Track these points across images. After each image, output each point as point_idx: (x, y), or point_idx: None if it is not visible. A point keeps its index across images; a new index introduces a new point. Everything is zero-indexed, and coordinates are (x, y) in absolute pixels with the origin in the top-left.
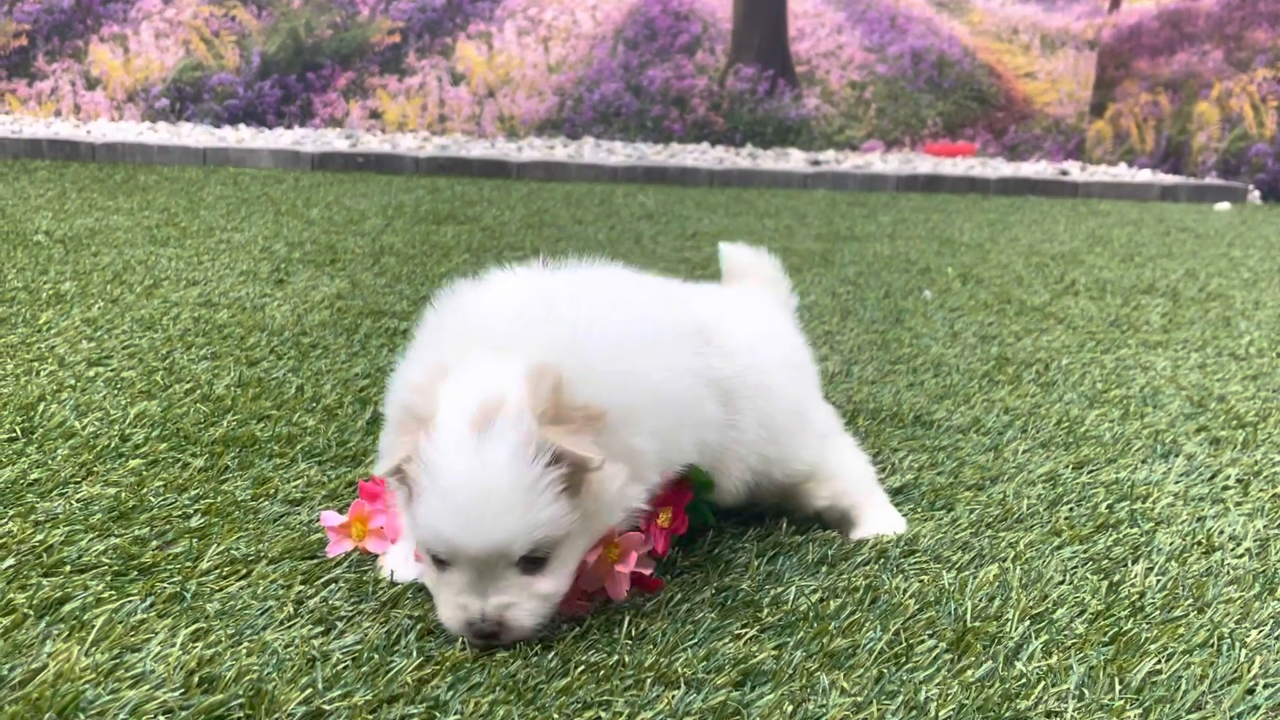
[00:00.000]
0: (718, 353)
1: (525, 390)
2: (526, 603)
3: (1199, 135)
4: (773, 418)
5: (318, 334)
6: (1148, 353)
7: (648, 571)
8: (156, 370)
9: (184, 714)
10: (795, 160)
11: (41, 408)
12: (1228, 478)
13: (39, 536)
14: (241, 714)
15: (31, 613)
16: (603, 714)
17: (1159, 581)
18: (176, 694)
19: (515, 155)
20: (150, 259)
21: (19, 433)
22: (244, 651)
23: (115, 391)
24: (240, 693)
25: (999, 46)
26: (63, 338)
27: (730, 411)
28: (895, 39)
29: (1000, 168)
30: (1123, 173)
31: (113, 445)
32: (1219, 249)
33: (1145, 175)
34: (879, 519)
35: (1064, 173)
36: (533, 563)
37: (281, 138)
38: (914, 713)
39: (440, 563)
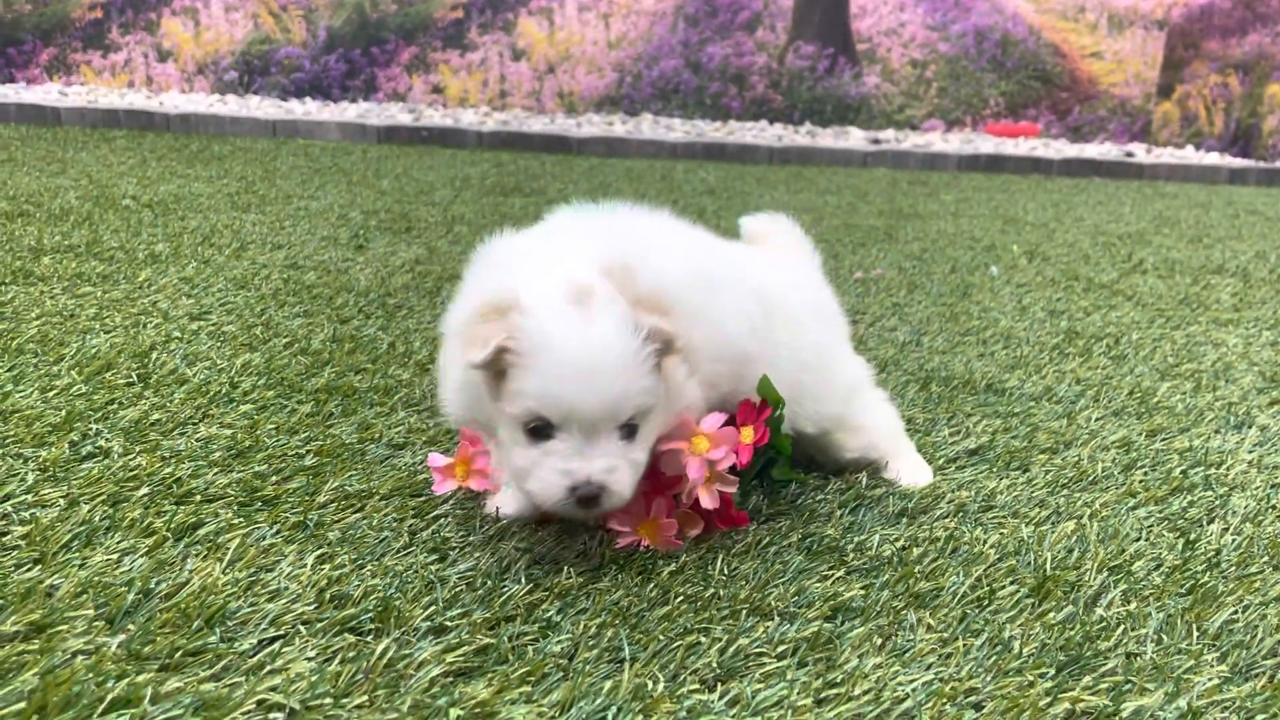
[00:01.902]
0: (752, 282)
1: (607, 279)
2: (625, 467)
3: (1270, 118)
4: (801, 342)
5: (402, 295)
6: (1218, 330)
7: (731, 489)
8: (255, 325)
9: (320, 624)
10: (855, 139)
11: (154, 356)
12: None
13: (167, 470)
14: (372, 626)
15: (169, 535)
16: (702, 639)
17: (1234, 541)
18: (311, 607)
19: (575, 131)
20: (235, 224)
21: (136, 378)
22: (368, 574)
23: (219, 343)
24: (369, 608)
25: (1065, 25)
26: (163, 294)
27: (769, 328)
28: (958, 17)
29: (1064, 149)
30: (1190, 155)
31: (224, 391)
32: None
33: (1213, 158)
34: (907, 469)
35: (1129, 154)
36: (628, 430)
37: (347, 111)
38: (998, 649)
39: (539, 435)
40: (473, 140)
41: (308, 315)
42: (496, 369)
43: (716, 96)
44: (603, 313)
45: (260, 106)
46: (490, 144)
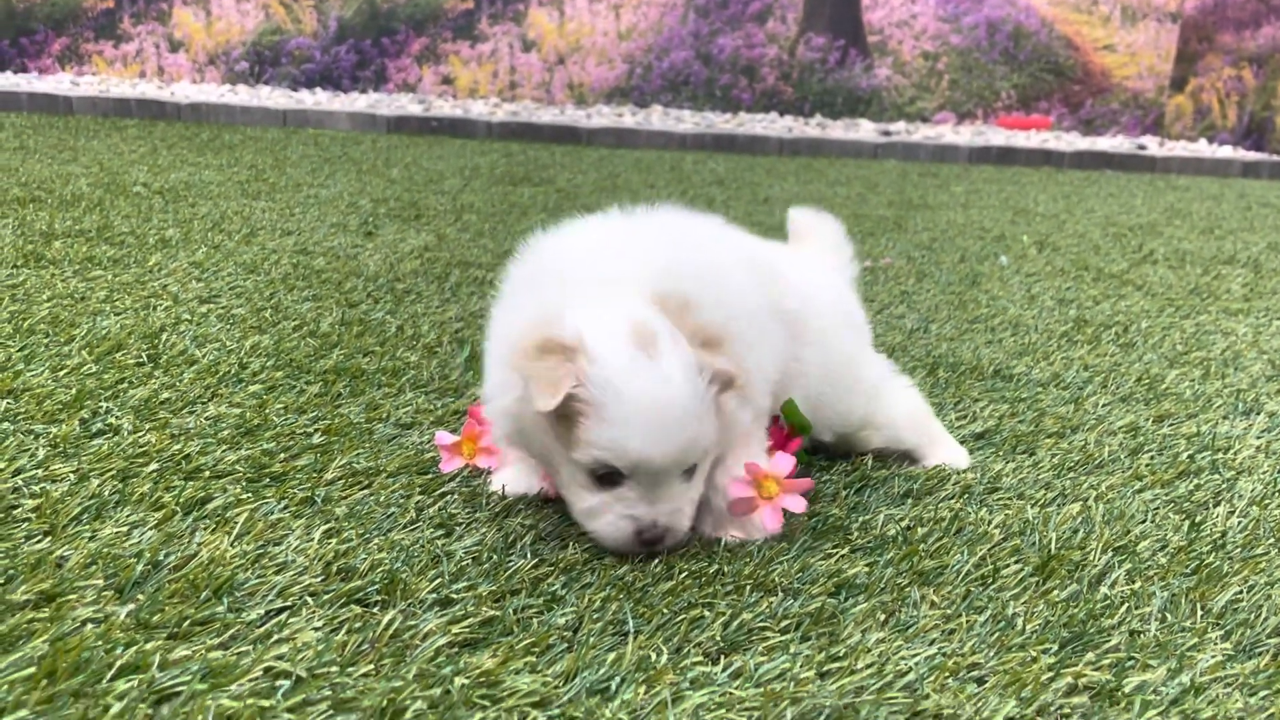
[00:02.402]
0: (785, 290)
1: (666, 316)
2: (686, 508)
3: None
4: (829, 358)
5: (410, 281)
6: (1228, 319)
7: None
8: (264, 309)
9: (326, 596)
10: (865, 131)
11: (164, 337)
12: None
13: (176, 446)
14: (378, 598)
15: (179, 510)
16: (706, 613)
17: (1240, 523)
18: (318, 580)
19: (585, 122)
20: (245, 210)
21: (145, 358)
22: (375, 548)
23: (228, 326)
24: (375, 580)
25: (1077, 18)
26: (173, 278)
27: (795, 345)
28: (970, 9)
29: (1075, 141)
30: (1203, 149)
31: (233, 372)
32: None
33: (1226, 151)
34: (943, 453)
35: (1141, 147)
36: (688, 472)
37: (357, 101)
38: (1001, 625)
39: (607, 481)
40: (482, 131)
41: (316, 299)
42: (561, 413)
43: (727, 88)
44: (669, 358)
45: (271, 97)
46: (500, 134)
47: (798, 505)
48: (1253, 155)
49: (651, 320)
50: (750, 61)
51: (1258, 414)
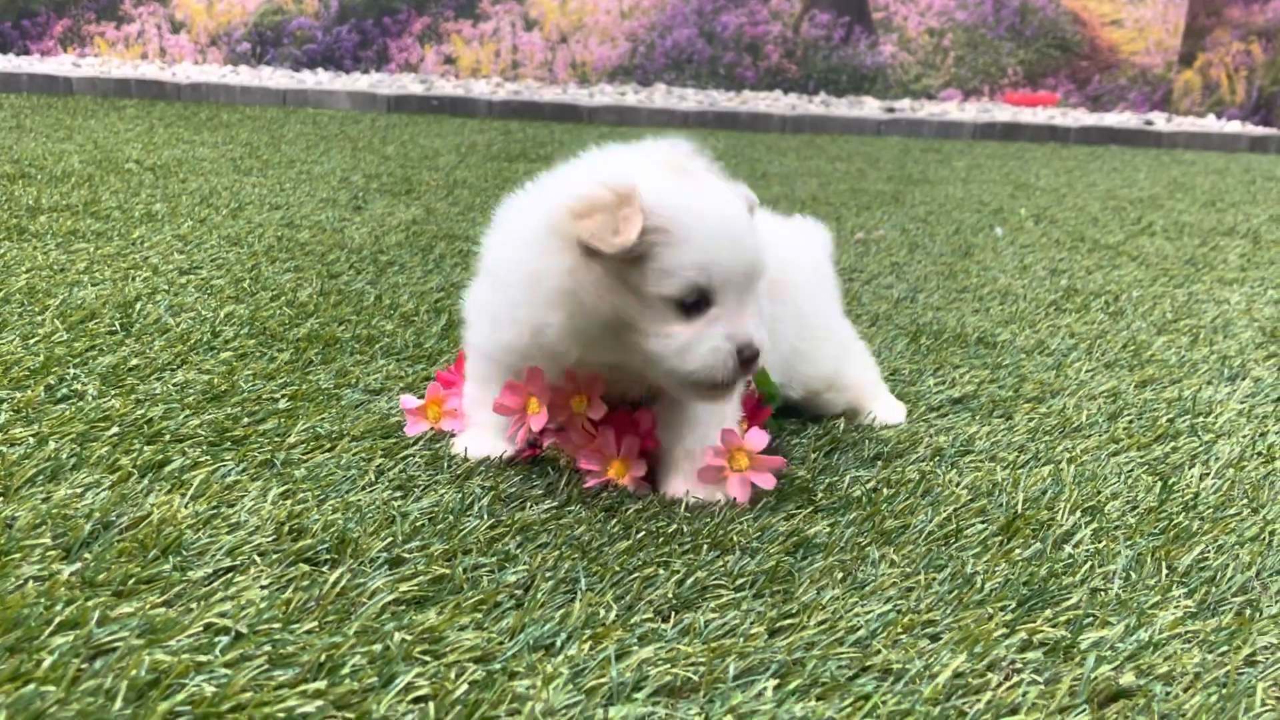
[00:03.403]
0: (769, 243)
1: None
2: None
3: None
4: (803, 314)
5: (394, 253)
6: (1222, 288)
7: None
8: (243, 279)
9: (275, 555)
10: (870, 108)
11: (139, 306)
12: None
13: (139, 411)
14: (328, 557)
15: (135, 472)
16: (661, 571)
17: (1215, 484)
18: (269, 539)
19: (587, 100)
20: (235, 186)
21: (118, 327)
22: (330, 509)
23: (206, 296)
24: (327, 539)
25: None
26: (155, 250)
27: (774, 302)
28: None
29: (1082, 117)
30: (1210, 124)
31: (205, 340)
32: None
33: (1234, 126)
34: (881, 409)
35: (1148, 123)
36: None
37: (358, 81)
38: (961, 583)
39: (695, 310)
40: (483, 109)
41: (298, 270)
42: (633, 256)
43: (731, 66)
44: (713, 182)
45: (272, 77)
46: (500, 113)
47: (766, 482)
48: (1261, 130)
49: (680, 158)
50: (754, 39)
51: (1243, 379)
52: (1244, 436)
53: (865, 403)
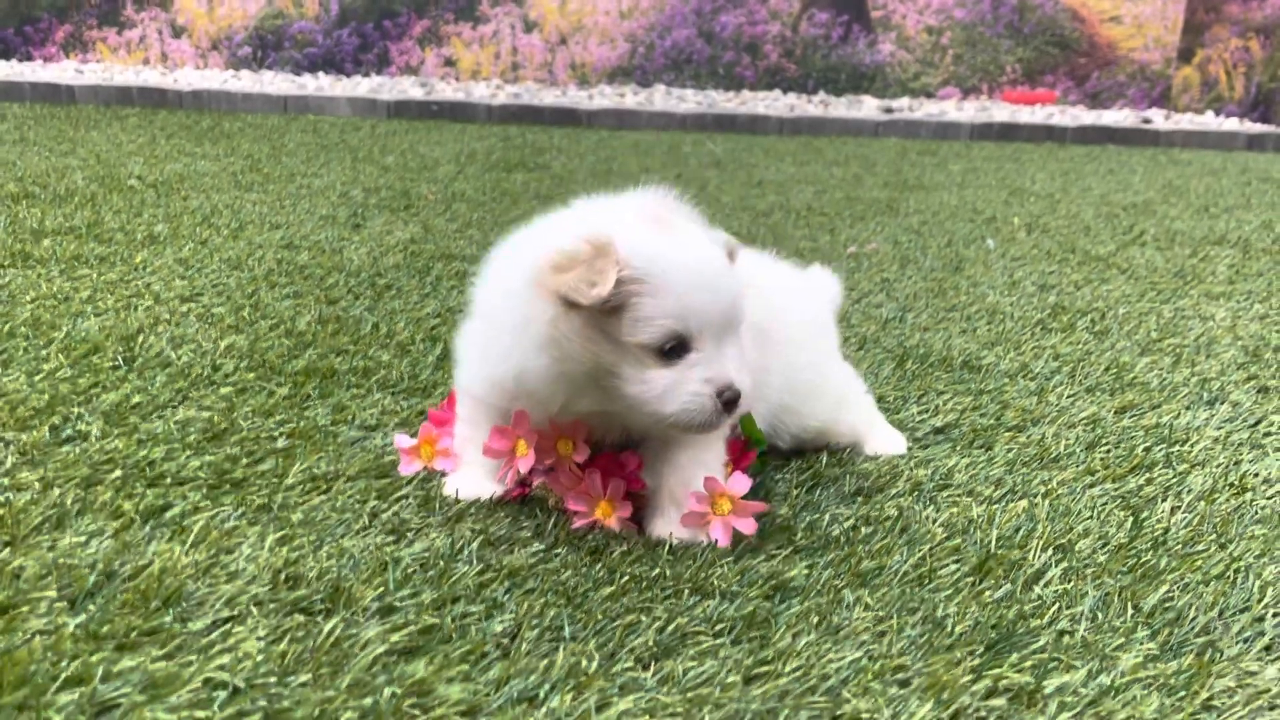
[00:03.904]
0: (756, 297)
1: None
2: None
3: None
4: (793, 372)
5: (392, 275)
6: (1209, 303)
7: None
8: (243, 307)
9: (272, 605)
10: (868, 108)
11: (140, 339)
12: (1271, 425)
13: (142, 453)
14: (322, 606)
15: (137, 518)
16: (643, 618)
17: (1185, 519)
18: (265, 589)
19: (586, 103)
20: (236, 203)
21: (121, 361)
22: (324, 555)
23: (206, 325)
24: (321, 589)
25: None
26: (157, 276)
27: (762, 355)
28: None
29: (1080, 116)
30: (1209, 121)
31: (205, 374)
32: None
33: (1232, 124)
34: (880, 441)
35: (1146, 121)
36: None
37: (359, 86)
38: (931, 627)
39: (674, 355)
40: (482, 114)
41: (297, 296)
42: (611, 307)
43: (730, 66)
44: (689, 230)
45: (274, 82)
46: (500, 118)
47: (748, 527)
48: (1258, 128)
49: (659, 209)
50: (753, 38)
51: (1222, 403)
52: (1218, 466)
53: (863, 441)
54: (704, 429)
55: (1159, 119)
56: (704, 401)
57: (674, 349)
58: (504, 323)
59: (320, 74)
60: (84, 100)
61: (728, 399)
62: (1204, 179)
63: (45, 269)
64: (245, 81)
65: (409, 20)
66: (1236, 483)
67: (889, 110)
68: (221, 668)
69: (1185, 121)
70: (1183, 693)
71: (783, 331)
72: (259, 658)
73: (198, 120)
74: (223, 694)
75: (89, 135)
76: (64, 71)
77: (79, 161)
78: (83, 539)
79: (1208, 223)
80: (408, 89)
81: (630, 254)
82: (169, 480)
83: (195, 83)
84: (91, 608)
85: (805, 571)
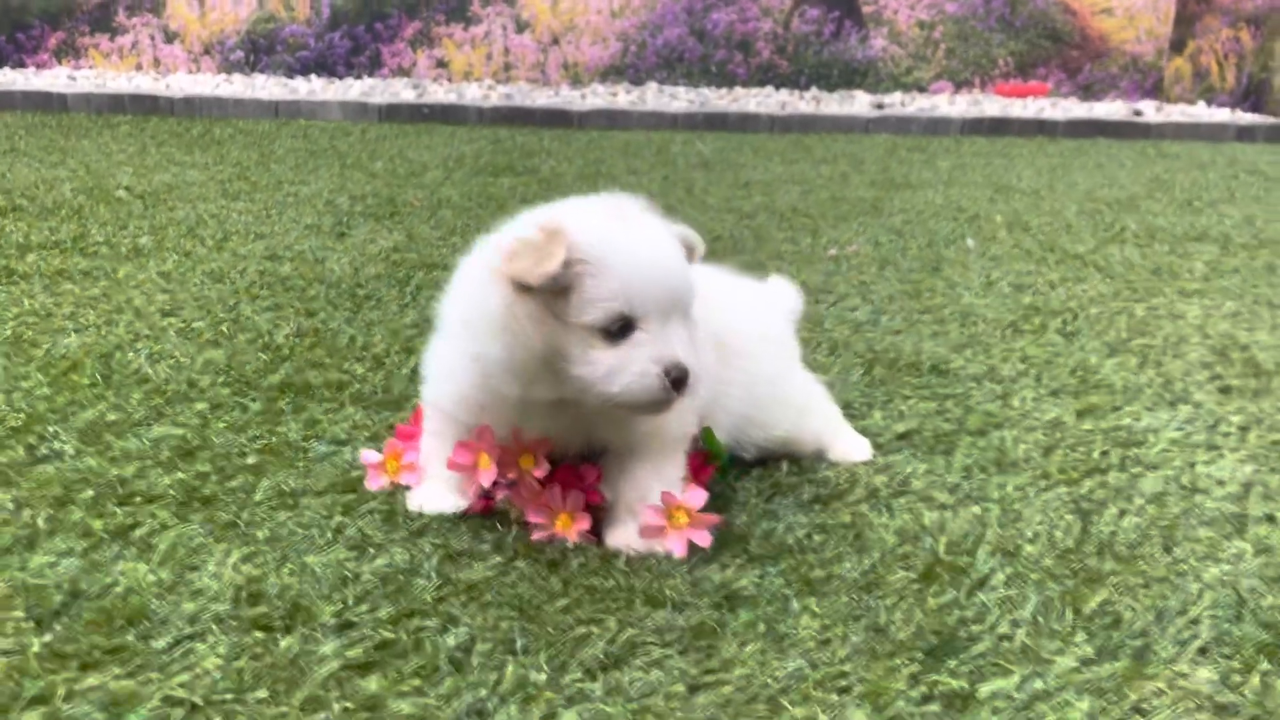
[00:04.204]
0: (713, 311)
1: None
2: (695, 351)
3: None
4: (753, 384)
5: (372, 286)
6: (1182, 301)
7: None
8: (223, 321)
9: (233, 623)
10: (860, 104)
11: (119, 355)
12: (1229, 425)
13: (115, 471)
14: (282, 623)
15: (106, 536)
16: (594, 629)
17: (1134, 523)
18: (227, 606)
19: (578, 104)
20: (222, 213)
21: (99, 379)
22: (286, 572)
23: (185, 340)
24: (281, 606)
25: None
26: (139, 290)
27: (722, 368)
28: None
29: (1072, 109)
30: (1200, 112)
31: (182, 390)
32: None
33: (1223, 115)
34: (845, 448)
35: (1137, 113)
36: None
37: (351, 89)
38: (875, 634)
39: (616, 335)
40: (473, 116)
41: (276, 309)
42: (559, 289)
43: (722, 64)
44: (645, 219)
45: (265, 86)
46: (491, 119)
47: (703, 540)
48: (1248, 118)
49: (620, 204)
50: (745, 36)
51: (1184, 404)
52: (1173, 469)
53: (827, 448)
54: (653, 408)
55: (1150, 111)
56: (650, 381)
57: (620, 330)
58: (461, 315)
59: (312, 77)
60: (76, 108)
61: (675, 378)
62: (1191, 172)
63: (29, 284)
64: (237, 86)
65: (400, 22)
66: (1188, 485)
67: (880, 106)
68: (181, 685)
69: (1176, 113)
70: (1113, 696)
71: (741, 344)
72: (217, 675)
73: (189, 127)
74: (180, 711)
75: (80, 144)
76: (56, 79)
77: (68, 172)
78: (52, 558)
79: (1190, 218)
80: (400, 91)
81: (579, 239)
82: (139, 499)
83: (187, 88)
84: (58, 627)
85: (756, 580)
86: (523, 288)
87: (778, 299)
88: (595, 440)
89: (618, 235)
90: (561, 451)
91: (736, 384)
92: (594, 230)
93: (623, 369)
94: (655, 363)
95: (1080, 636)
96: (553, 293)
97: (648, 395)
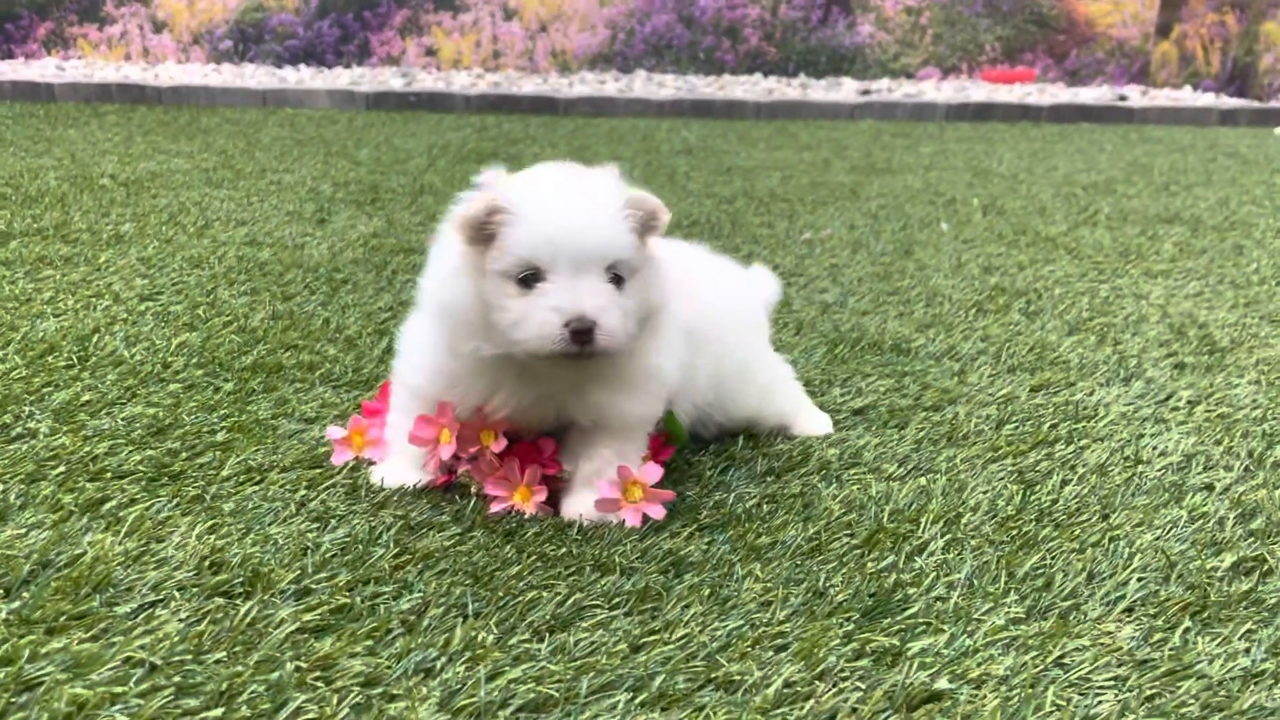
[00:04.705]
0: (686, 298)
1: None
2: (614, 310)
3: (1265, 56)
4: (722, 366)
5: (350, 270)
6: (1147, 281)
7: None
8: (200, 305)
9: (194, 590)
10: (847, 90)
11: (95, 339)
12: (1179, 400)
13: (86, 449)
14: (242, 590)
15: (76, 510)
16: (544, 594)
17: (1075, 491)
18: (190, 575)
19: (565, 91)
20: (204, 200)
21: (75, 360)
22: (249, 542)
23: (162, 324)
24: (242, 574)
25: None
26: (119, 275)
27: (691, 354)
28: None
29: (1057, 94)
30: (1184, 97)
31: (155, 371)
32: (1262, 175)
33: (1207, 99)
34: (805, 423)
35: (1122, 98)
36: (616, 281)
37: (339, 78)
38: (814, 597)
39: (527, 283)
40: (460, 104)
41: (253, 293)
42: (484, 236)
43: (710, 51)
44: (586, 177)
45: (254, 75)
46: (478, 107)
47: (657, 513)
48: (1231, 102)
49: (576, 167)
50: (732, 22)
51: (1137, 379)
52: (1119, 441)
53: (789, 425)
54: (555, 359)
55: (1136, 96)
56: (549, 329)
57: (528, 278)
58: (429, 275)
59: (301, 66)
60: (64, 98)
61: (575, 329)
62: (1170, 156)
63: (10, 271)
64: (225, 75)
65: (389, 10)
66: (1133, 456)
67: (866, 92)
68: (142, 648)
69: (1161, 98)
70: (1036, 652)
71: (711, 328)
72: (177, 638)
73: (176, 116)
74: (140, 672)
75: (66, 134)
76: (45, 69)
77: (53, 161)
78: (23, 531)
79: (1164, 200)
80: (388, 80)
81: (507, 191)
82: (109, 475)
83: (176, 77)
84: (26, 595)
85: (704, 547)
86: (466, 240)
87: (756, 285)
88: (564, 418)
89: (541, 188)
90: (535, 430)
91: (703, 372)
92: (523, 185)
93: (528, 317)
94: (555, 312)
95: (1012, 598)
96: (484, 243)
97: (547, 345)
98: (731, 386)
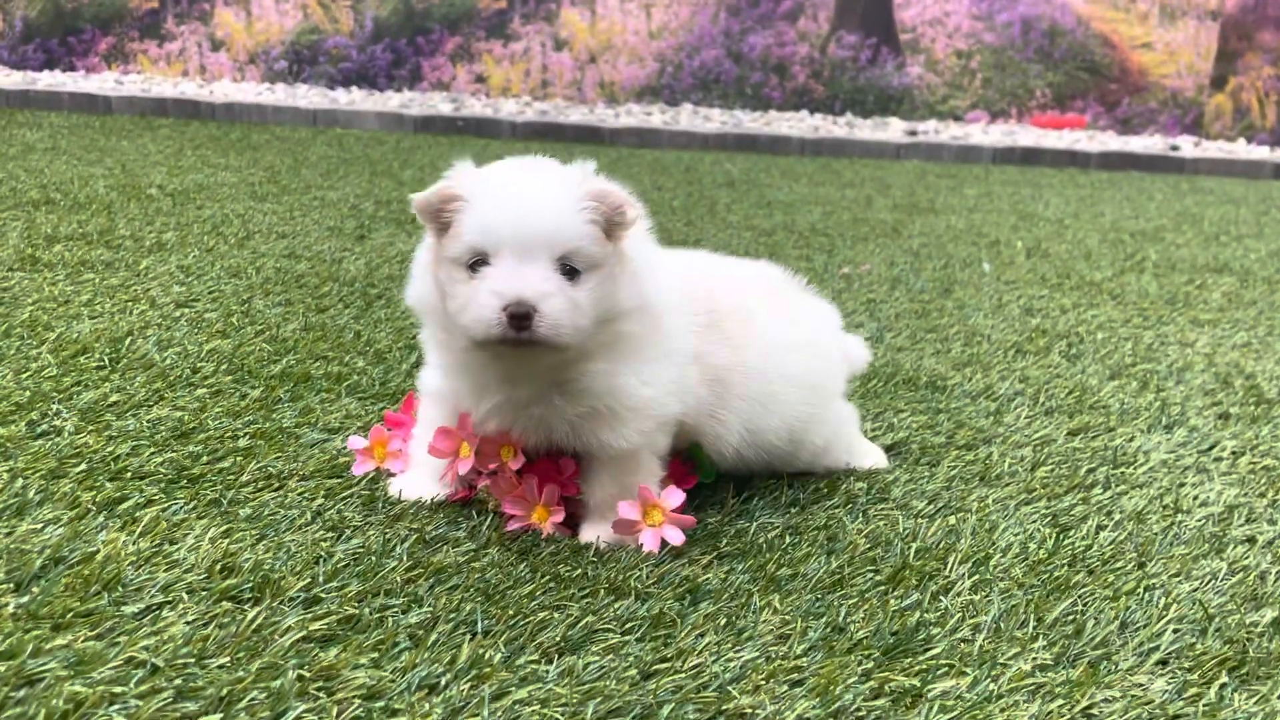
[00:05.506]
0: (721, 340)
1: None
2: (561, 300)
3: None
4: (761, 429)
5: (385, 285)
6: (1193, 330)
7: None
8: (234, 313)
9: (203, 593)
10: (894, 130)
11: (128, 341)
12: (1223, 450)
13: (109, 448)
14: (251, 595)
15: (94, 509)
16: (555, 615)
17: (1110, 537)
18: (200, 578)
19: (611, 121)
20: (248, 213)
21: (106, 361)
22: (262, 549)
23: (195, 330)
24: (252, 579)
25: (1114, 15)
26: (157, 281)
27: (716, 402)
28: (1004, 6)
29: (1107, 142)
30: (1238, 149)
31: (184, 376)
32: None
33: (1261, 152)
34: (861, 459)
35: (1174, 148)
36: (569, 273)
37: (389, 100)
38: (834, 632)
39: (475, 269)
40: (507, 130)
41: (288, 304)
42: (442, 223)
43: (758, 87)
44: (547, 168)
45: (306, 96)
46: (524, 134)
47: (676, 538)
48: None
49: (547, 160)
50: (781, 60)
51: (1179, 428)
52: (1159, 489)
53: (842, 462)
54: (496, 349)
55: (1188, 146)
56: (486, 313)
57: (477, 263)
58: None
59: (353, 88)
60: (120, 111)
61: (513, 312)
62: (1220, 207)
63: (52, 273)
64: (279, 94)
65: (441, 37)
66: (1172, 505)
67: (913, 133)
68: (145, 649)
69: (1214, 149)
70: (1063, 700)
71: (753, 386)
72: (181, 641)
73: (227, 132)
74: (141, 672)
75: (119, 145)
76: (104, 82)
77: (104, 170)
78: (39, 526)
79: (1214, 250)
80: (437, 104)
81: (463, 177)
82: (129, 475)
83: (230, 95)
84: (35, 590)
85: (722, 576)
86: (431, 231)
87: (848, 352)
88: (554, 441)
89: (495, 176)
90: (534, 450)
91: (737, 423)
92: (480, 174)
93: (471, 301)
94: (495, 296)
95: (1040, 643)
96: (440, 232)
97: (483, 328)
98: (781, 448)
